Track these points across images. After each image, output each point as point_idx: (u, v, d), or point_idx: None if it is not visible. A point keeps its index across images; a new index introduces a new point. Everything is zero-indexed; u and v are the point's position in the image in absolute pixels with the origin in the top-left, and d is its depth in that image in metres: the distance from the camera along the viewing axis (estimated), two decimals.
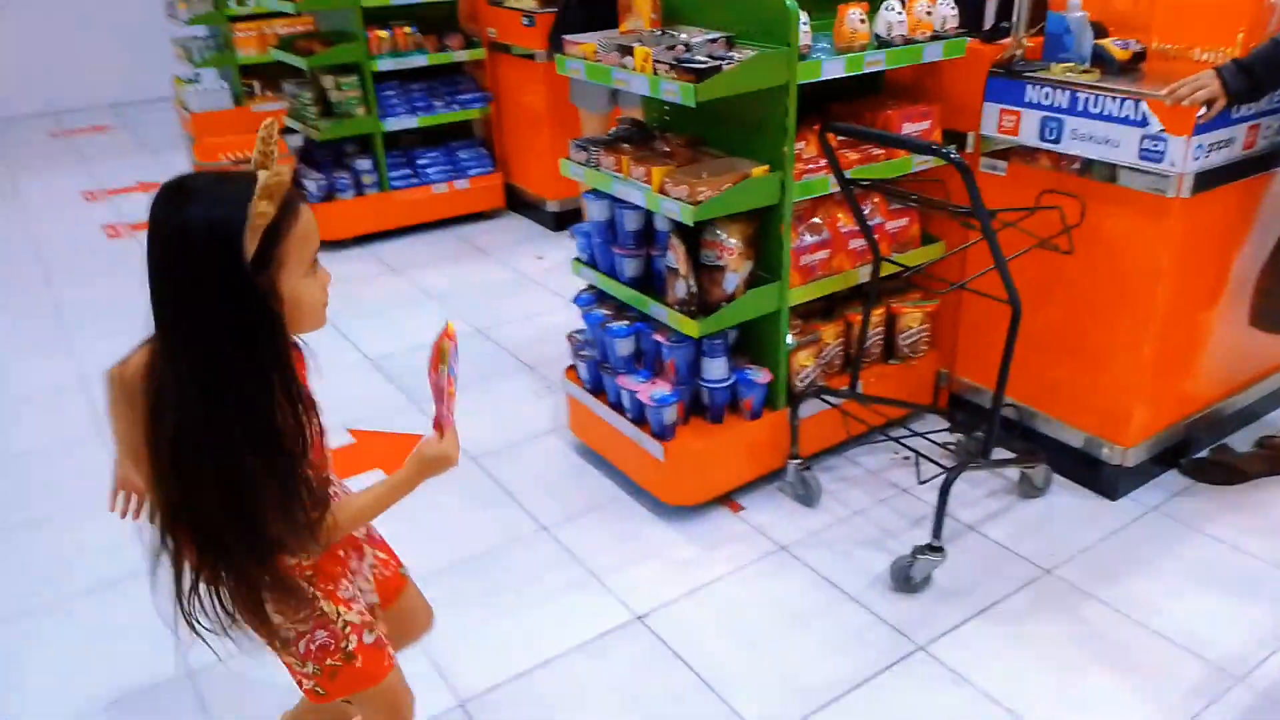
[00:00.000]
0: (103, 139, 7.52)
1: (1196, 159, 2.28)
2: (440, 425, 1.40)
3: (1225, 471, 2.74)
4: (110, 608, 2.41)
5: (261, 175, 1.14)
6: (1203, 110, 2.21)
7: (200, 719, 2.07)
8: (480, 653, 2.21)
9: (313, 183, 4.74)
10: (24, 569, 2.58)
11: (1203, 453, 2.80)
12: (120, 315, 4.54)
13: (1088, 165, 2.47)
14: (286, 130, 5.06)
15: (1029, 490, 2.70)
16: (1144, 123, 2.30)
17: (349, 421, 3.16)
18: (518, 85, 4.86)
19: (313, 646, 1.41)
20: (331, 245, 4.82)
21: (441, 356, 1.39)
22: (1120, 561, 2.44)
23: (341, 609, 1.43)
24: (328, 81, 4.73)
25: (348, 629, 1.43)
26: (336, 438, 3.03)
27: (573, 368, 2.97)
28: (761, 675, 2.14)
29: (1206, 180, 2.34)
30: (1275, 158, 2.51)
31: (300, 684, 1.48)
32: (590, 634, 2.27)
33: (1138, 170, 2.36)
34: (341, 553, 1.47)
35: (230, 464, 1.17)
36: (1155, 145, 2.29)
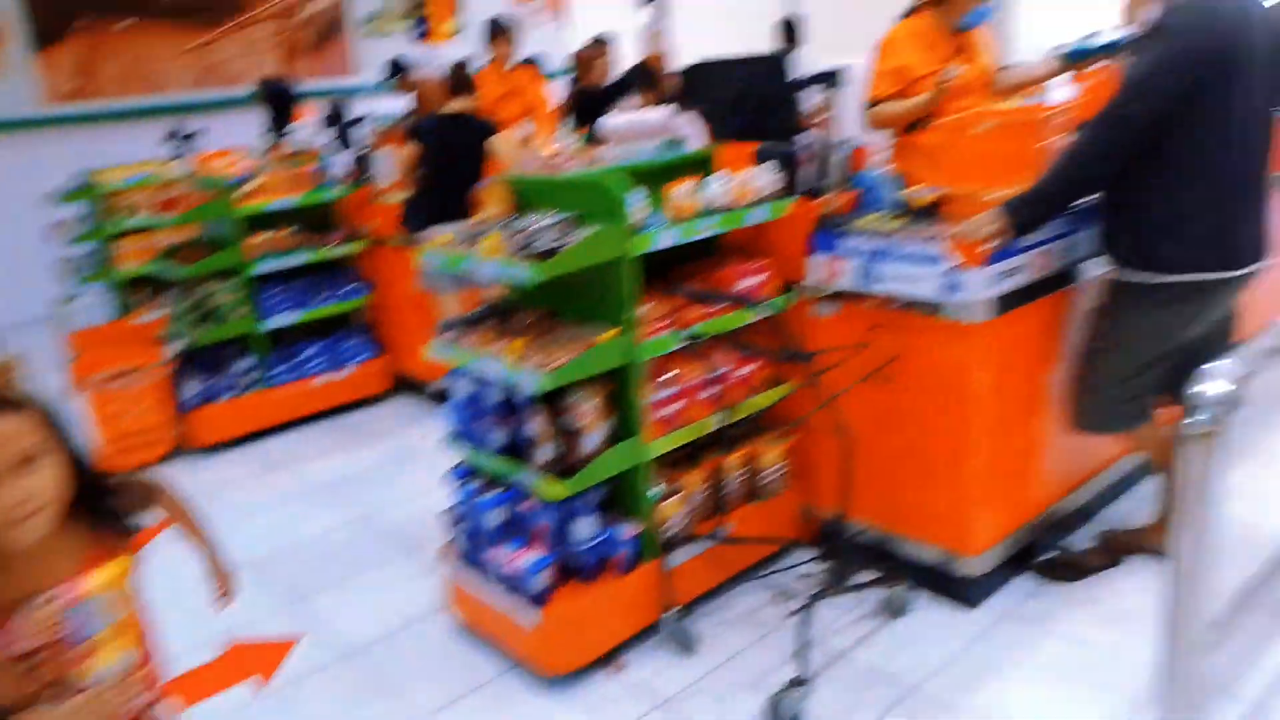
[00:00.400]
0: None
1: (991, 287, 2.53)
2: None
3: (1069, 569, 2.89)
4: None
5: None
6: (989, 244, 2.46)
7: None
8: None
9: (191, 388, 4.74)
10: None
11: (1050, 553, 2.94)
12: None
13: (904, 301, 2.70)
14: (169, 338, 5.09)
15: (894, 610, 2.78)
16: (943, 260, 2.54)
17: (227, 630, 3.04)
18: (397, 274, 5.05)
19: None
20: (212, 450, 4.76)
21: (91, 594, 1.31)
22: (981, 669, 2.53)
23: None
24: (209, 287, 4.82)
25: None
26: (204, 652, 2.95)
27: (449, 545, 2.98)
28: None
29: (1006, 304, 2.60)
30: (1067, 277, 2.79)
31: None
32: None
33: (944, 302, 2.59)
34: None
35: None
36: (953, 278, 2.53)
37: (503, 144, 4.50)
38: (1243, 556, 2.37)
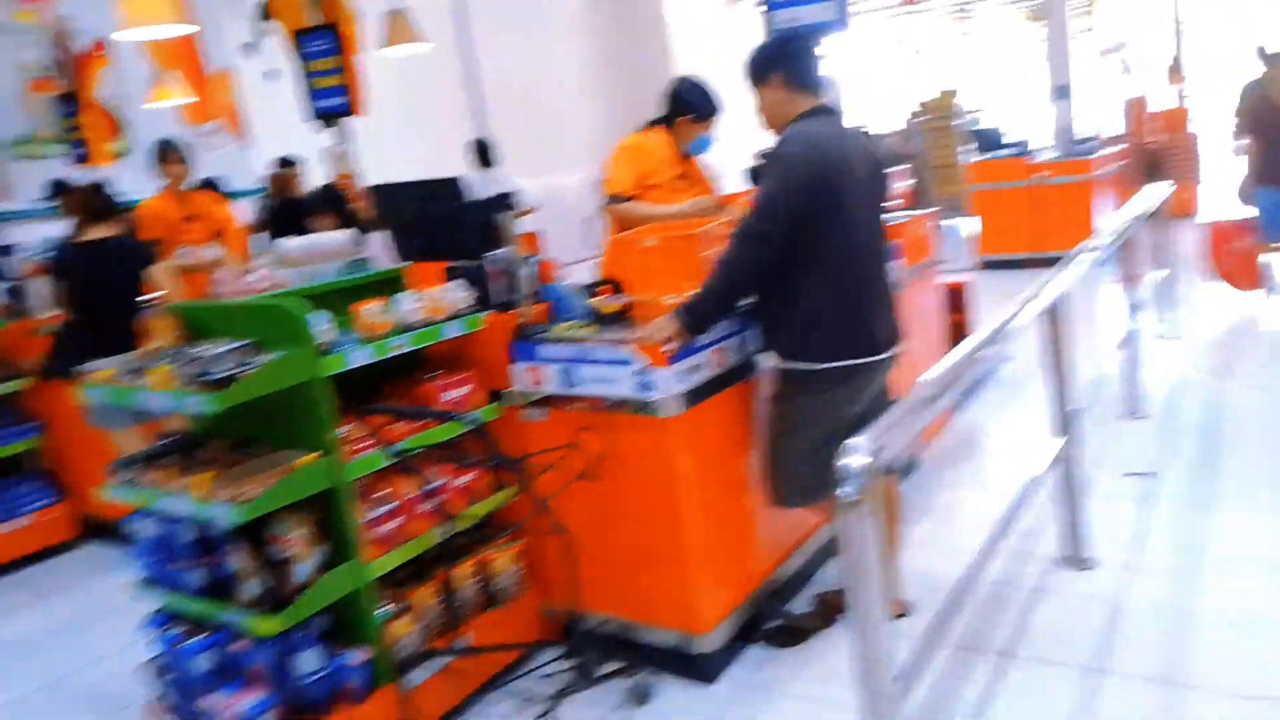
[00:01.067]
0: None
1: (679, 383, 2.75)
2: None
3: (792, 634, 3.11)
4: None
5: None
6: (669, 345, 2.70)
7: None
8: None
9: None
10: None
11: (774, 621, 3.16)
12: None
13: (607, 402, 2.87)
14: None
15: (639, 698, 2.85)
16: (631, 361, 2.75)
17: None
18: (70, 410, 4.56)
19: None
20: None
21: None
22: None
23: None
24: None
25: None
26: None
27: (156, 701, 2.72)
28: None
29: (694, 397, 2.81)
30: (746, 368, 3.08)
31: None
32: None
33: (641, 400, 2.78)
34: None
35: None
36: (644, 377, 2.73)
37: (159, 270, 4.30)
38: (932, 603, 2.66)
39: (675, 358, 2.73)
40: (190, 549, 2.59)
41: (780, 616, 3.18)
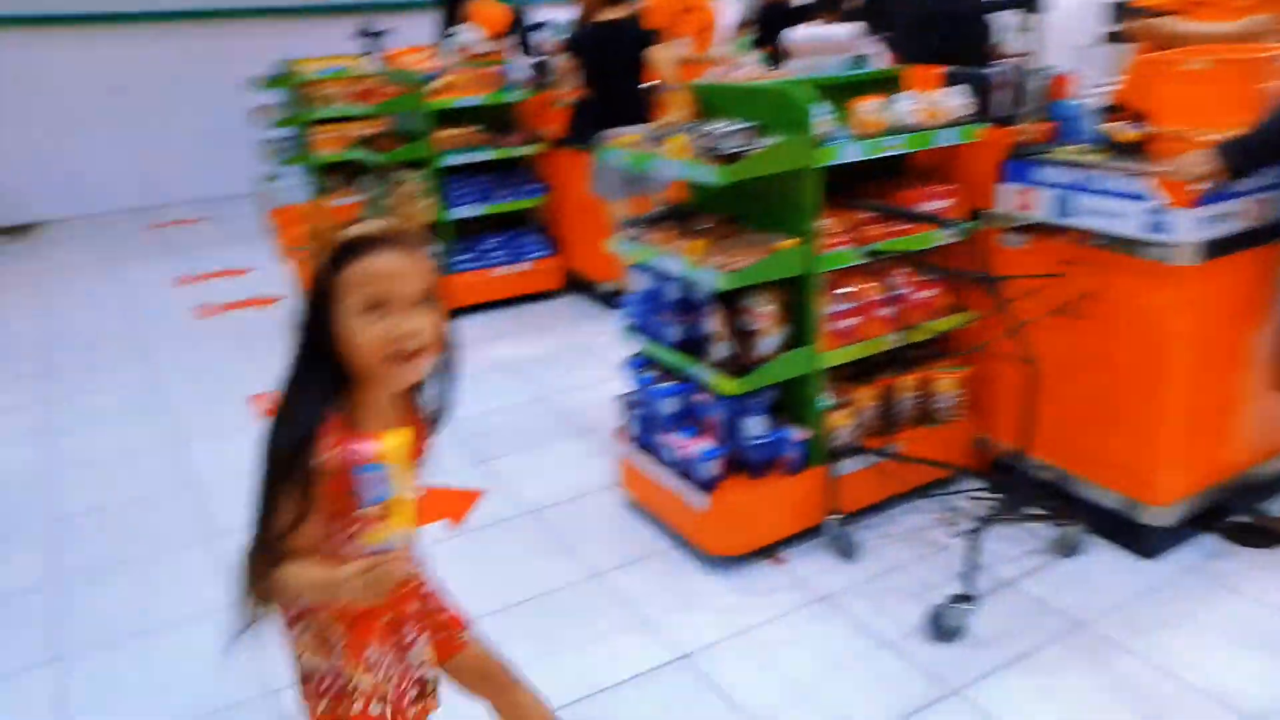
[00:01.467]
0: (193, 231, 8.13)
1: (1200, 230, 2.45)
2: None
3: (1262, 535, 2.80)
4: (194, 637, 2.64)
5: (356, 223, 1.32)
6: (1200, 185, 2.39)
7: None
8: (535, 684, 2.38)
9: None
10: (117, 604, 2.83)
11: (1241, 516, 2.87)
12: (209, 384, 4.95)
13: (1102, 238, 2.66)
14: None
15: (1066, 549, 2.79)
16: (1148, 197, 2.48)
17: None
18: (574, 176, 5.22)
19: (322, 688, 1.48)
20: None
21: (387, 458, 1.19)
22: (1155, 618, 2.51)
23: (358, 673, 1.46)
24: (401, 175, 5.14)
25: (356, 693, 1.46)
26: None
27: (623, 428, 3.19)
28: (799, 711, 2.26)
29: (1214, 249, 2.50)
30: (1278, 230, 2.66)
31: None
32: (636, 670, 2.42)
33: (1147, 241, 2.53)
34: (383, 621, 1.50)
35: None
36: (1159, 217, 2.47)
37: (661, 54, 4.54)
38: None
39: (1203, 200, 2.42)
40: (674, 306, 2.90)
41: (1250, 513, 2.86)
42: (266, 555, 1.36)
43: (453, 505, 3.23)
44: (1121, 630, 2.47)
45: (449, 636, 1.67)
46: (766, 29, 5.89)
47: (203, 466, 3.68)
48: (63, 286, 6.58)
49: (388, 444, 1.15)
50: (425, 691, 1.56)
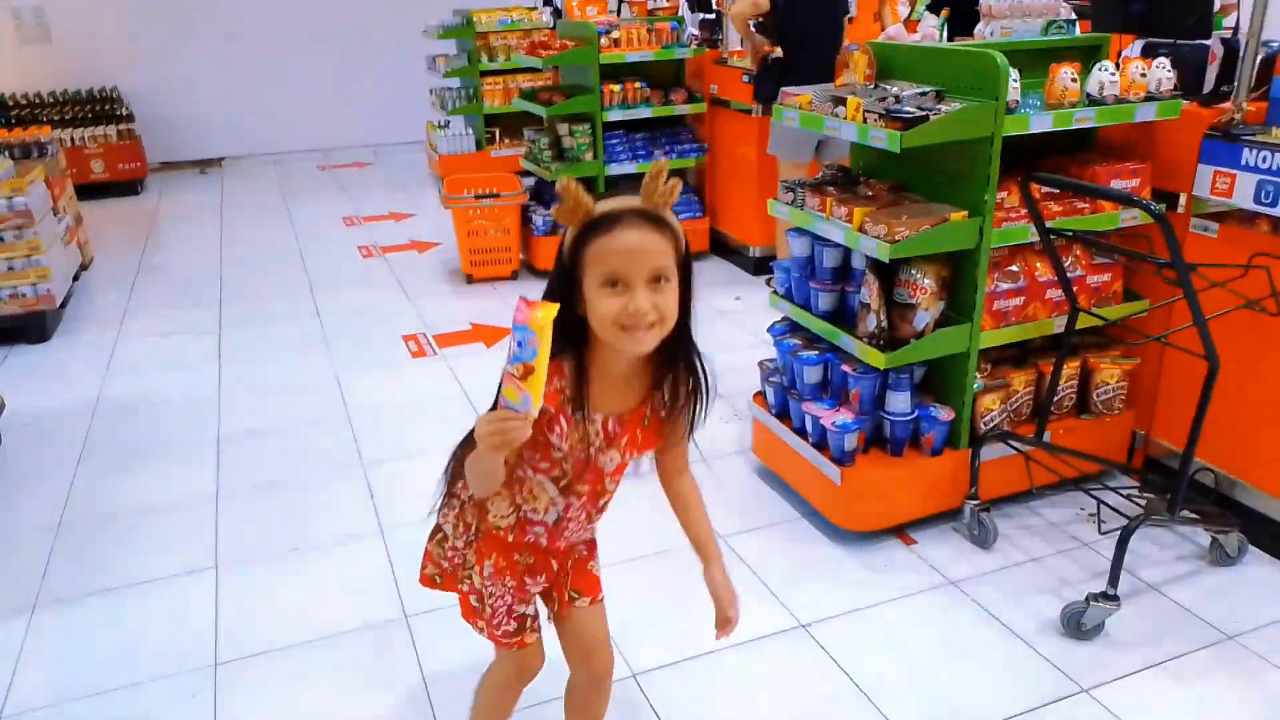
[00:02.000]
0: (362, 174, 8.52)
1: None
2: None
3: None
4: (341, 558, 2.80)
5: (626, 199, 1.37)
6: None
7: (410, 655, 2.38)
8: (654, 635, 2.41)
9: (540, 218, 5.23)
10: (277, 522, 3.03)
11: None
12: (367, 321, 5.20)
13: None
14: (522, 173, 5.61)
15: (1220, 557, 2.61)
16: None
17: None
18: (732, 138, 5.17)
19: (450, 556, 1.69)
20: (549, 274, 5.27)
21: (536, 327, 1.24)
22: None
23: (475, 568, 1.63)
24: (562, 129, 5.22)
25: (467, 578, 1.65)
26: None
27: (760, 394, 3.16)
28: (917, 693, 2.21)
29: None
30: None
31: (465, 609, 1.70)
32: (755, 634, 2.41)
33: None
34: (518, 557, 1.63)
35: None
36: None
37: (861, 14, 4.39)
38: None
39: None
40: (829, 274, 2.84)
41: None
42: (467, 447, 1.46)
43: None
44: (1274, 647, 2.31)
45: (574, 594, 1.76)
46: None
47: (355, 399, 3.87)
48: (242, 219, 7.04)
49: (541, 313, 1.22)
50: (522, 626, 1.69)
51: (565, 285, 1.39)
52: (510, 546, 1.62)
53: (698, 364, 1.58)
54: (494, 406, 1.31)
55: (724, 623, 1.75)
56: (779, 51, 4.44)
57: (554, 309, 1.23)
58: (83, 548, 2.91)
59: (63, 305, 4.87)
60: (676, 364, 1.56)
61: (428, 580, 1.76)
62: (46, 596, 2.67)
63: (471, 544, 1.65)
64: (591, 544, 1.82)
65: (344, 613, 2.54)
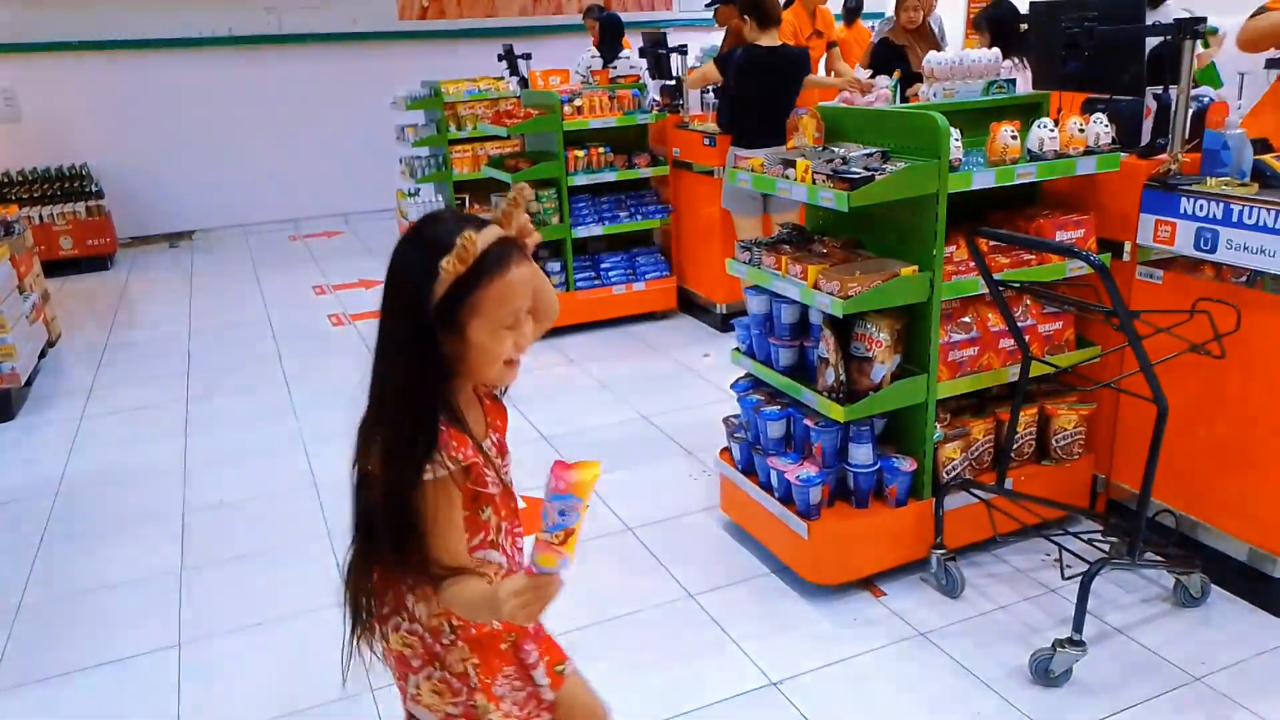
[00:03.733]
0: (333, 243, 8.57)
1: None
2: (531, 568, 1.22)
3: None
4: (308, 631, 2.76)
5: (485, 232, 1.29)
6: None
7: None
8: (622, 700, 2.38)
9: None
10: (237, 595, 2.99)
11: None
12: (337, 389, 5.16)
13: (1246, 274, 2.51)
14: None
15: (1185, 598, 2.63)
16: None
17: (523, 490, 3.47)
18: (696, 199, 5.27)
19: None
20: None
21: (581, 490, 1.15)
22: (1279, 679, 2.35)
23: (491, 706, 1.45)
24: (528, 194, 5.30)
25: None
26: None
27: (726, 450, 3.18)
28: None
29: None
30: None
31: None
32: (725, 694, 2.40)
33: None
34: (505, 645, 1.49)
35: (373, 477, 1.33)
36: None
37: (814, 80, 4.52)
38: None
39: None
40: (787, 330, 2.89)
41: None
42: (415, 574, 1.35)
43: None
44: (1240, 689, 2.32)
45: (551, 666, 1.62)
46: (879, 63, 5.85)
47: (323, 469, 3.85)
48: (212, 291, 7.04)
49: (581, 475, 1.12)
50: (538, 710, 1.55)
51: (425, 338, 1.29)
52: (495, 639, 1.48)
53: None
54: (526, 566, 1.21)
55: None
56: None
57: (596, 467, 1.14)
58: (43, 629, 2.85)
59: (28, 383, 4.83)
60: None
61: None
62: (5, 680, 2.61)
63: (478, 683, 1.45)
64: None
65: (309, 686, 2.50)
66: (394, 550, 1.35)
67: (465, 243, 1.25)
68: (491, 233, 1.32)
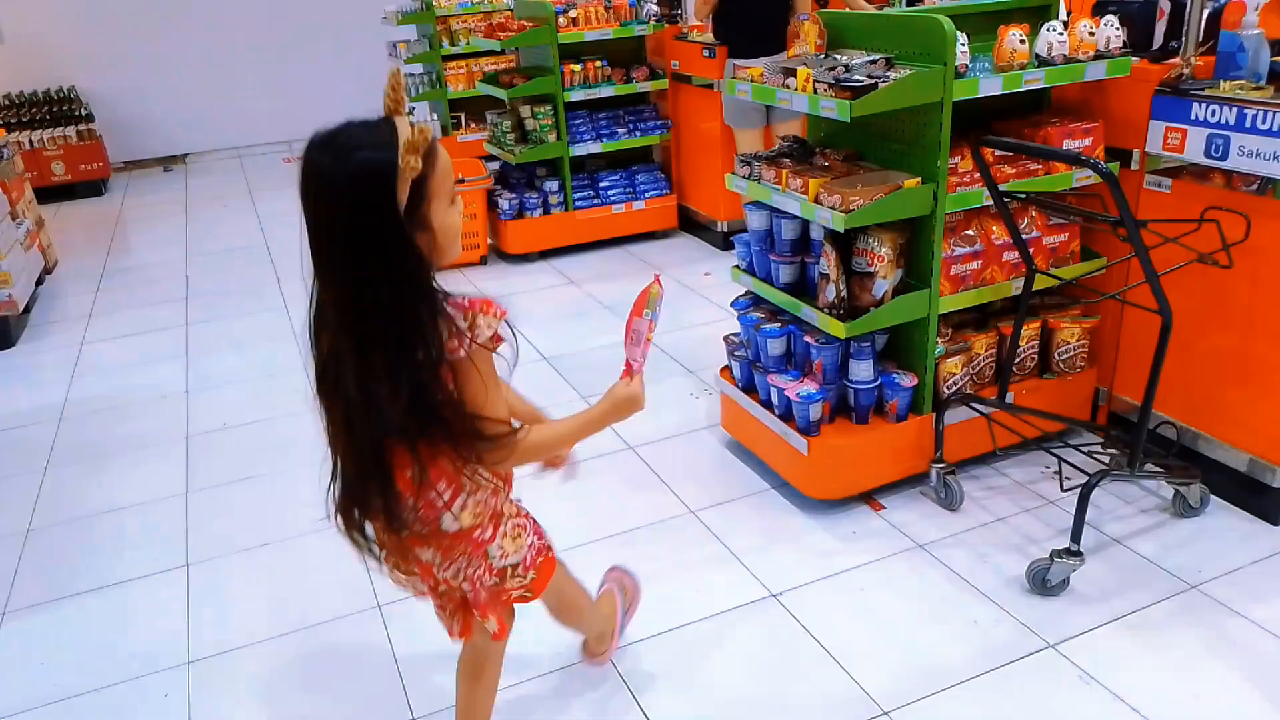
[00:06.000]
0: None
1: None
2: (630, 369, 1.61)
3: None
4: (315, 550, 2.79)
5: (400, 124, 1.31)
6: None
7: (384, 645, 2.39)
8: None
9: (506, 202, 5.20)
10: (244, 516, 3.02)
11: None
12: None
13: (1258, 182, 2.45)
14: (487, 157, 5.57)
15: (1183, 509, 2.65)
16: None
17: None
18: (696, 114, 5.15)
19: (532, 552, 1.66)
20: (518, 259, 5.28)
21: (649, 302, 1.56)
22: (1274, 585, 2.37)
23: (515, 547, 1.65)
24: (525, 111, 5.19)
25: (519, 556, 1.66)
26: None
27: (727, 368, 3.17)
28: (887, 656, 2.24)
29: None
30: None
31: (494, 606, 1.65)
32: (727, 605, 2.43)
33: None
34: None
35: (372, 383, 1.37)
36: None
37: None
38: None
39: None
40: (788, 246, 2.84)
41: None
42: (467, 445, 1.43)
43: None
44: (1236, 595, 2.35)
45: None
46: None
47: None
48: (208, 215, 6.97)
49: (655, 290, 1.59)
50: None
51: (400, 235, 1.32)
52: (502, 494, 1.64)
53: None
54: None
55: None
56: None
57: (653, 287, 1.59)
58: (52, 552, 2.89)
59: (26, 310, 4.81)
60: None
61: (524, 600, 1.73)
62: (17, 603, 2.66)
63: (515, 504, 1.67)
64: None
65: (318, 604, 2.55)
66: (443, 433, 1.40)
67: (420, 137, 1.29)
68: (405, 121, 1.34)
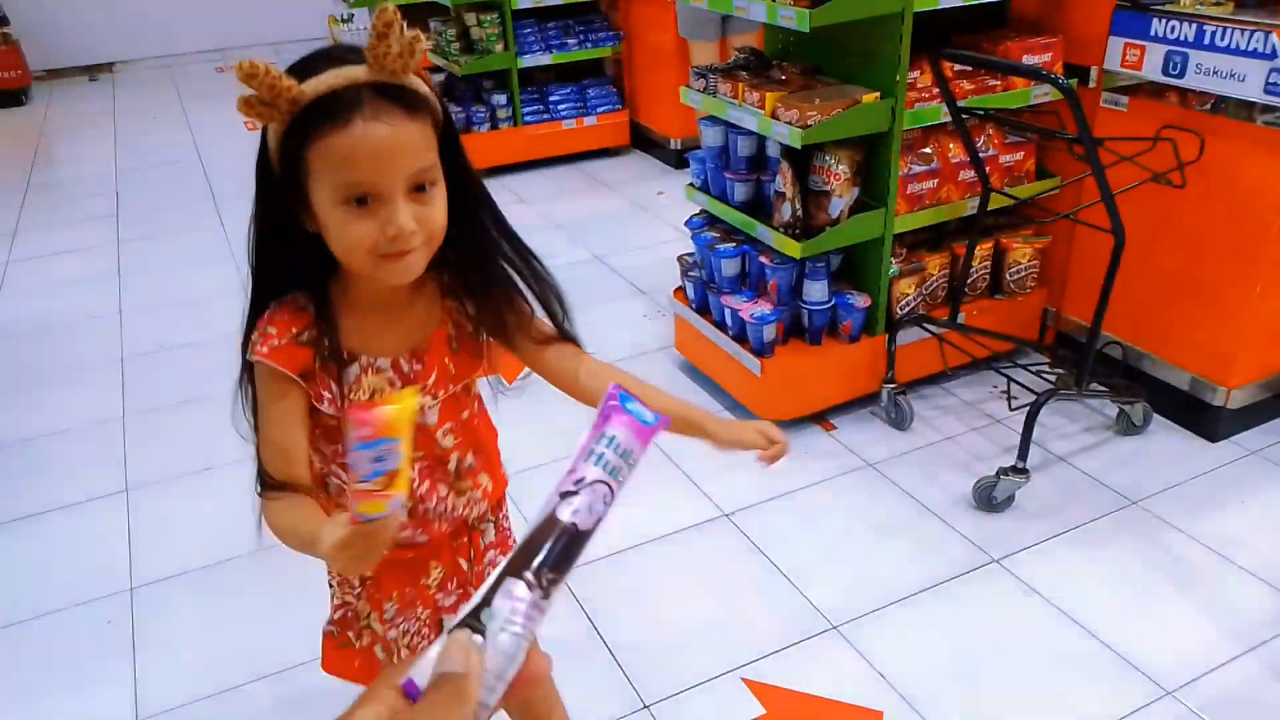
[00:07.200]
0: None
1: None
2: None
3: None
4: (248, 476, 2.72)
5: (330, 72, 0.98)
6: None
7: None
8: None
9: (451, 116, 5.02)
10: (182, 441, 2.93)
11: None
12: None
13: (1212, 101, 2.43)
14: (432, 69, 5.35)
15: (1127, 427, 2.70)
16: (1273, 54, 2.25)
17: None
18: (650, 25, 4.98)
19: (336, 611, 1.44)
20: None
21: (395, 430, 0.79)
22: (1211, 500, 2.45)
23: (374, 616, 1.37)
24: (470, 19, 4.97)
25: (365, 628, 1.39)
26: None
27: (681, 289, 3.13)
28: (837, 571, 2.27)
29: None
30: None
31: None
32: (679, 525, 2.44)
33: (1264, 106, 2.31)
34: (412, 580, 1.36)
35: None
36: None
37: None
38: None
39: None
40: (743, 163, 2.78)
41: None
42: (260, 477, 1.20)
43: (508, 365, 3.23)
44: (1174, 509, 2.42)
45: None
46: None
47: None
48: (137, 127, 6.64)
49: (395, 411, 0.78)
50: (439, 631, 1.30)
51: (280, 197, 1.03)
52: (396, 562, 1.31)
53: (512, 248, 1.27)
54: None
55: (772, 452, 1.24)
56: None
57: (411, 398, 0.80)
58: None
59: None
60: (472, 259, 1.21)
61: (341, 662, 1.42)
62: None
63: (364, 594, 1.37)
64: (501, 535, 1.47)
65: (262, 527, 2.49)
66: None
67: (246, 78, 0.93)
68: (342, 74, 0.97)
